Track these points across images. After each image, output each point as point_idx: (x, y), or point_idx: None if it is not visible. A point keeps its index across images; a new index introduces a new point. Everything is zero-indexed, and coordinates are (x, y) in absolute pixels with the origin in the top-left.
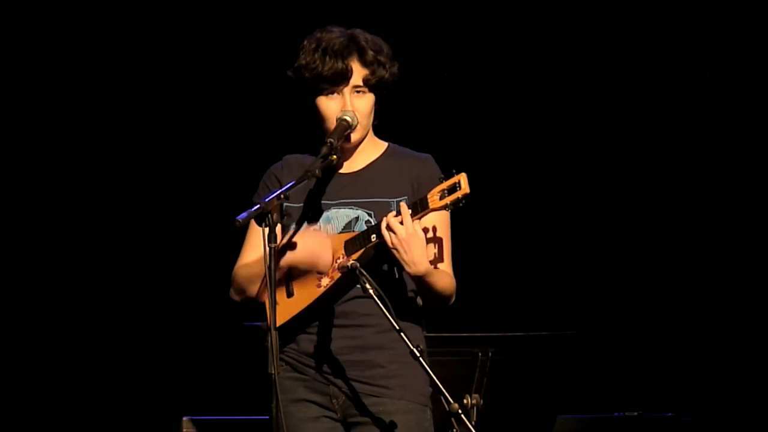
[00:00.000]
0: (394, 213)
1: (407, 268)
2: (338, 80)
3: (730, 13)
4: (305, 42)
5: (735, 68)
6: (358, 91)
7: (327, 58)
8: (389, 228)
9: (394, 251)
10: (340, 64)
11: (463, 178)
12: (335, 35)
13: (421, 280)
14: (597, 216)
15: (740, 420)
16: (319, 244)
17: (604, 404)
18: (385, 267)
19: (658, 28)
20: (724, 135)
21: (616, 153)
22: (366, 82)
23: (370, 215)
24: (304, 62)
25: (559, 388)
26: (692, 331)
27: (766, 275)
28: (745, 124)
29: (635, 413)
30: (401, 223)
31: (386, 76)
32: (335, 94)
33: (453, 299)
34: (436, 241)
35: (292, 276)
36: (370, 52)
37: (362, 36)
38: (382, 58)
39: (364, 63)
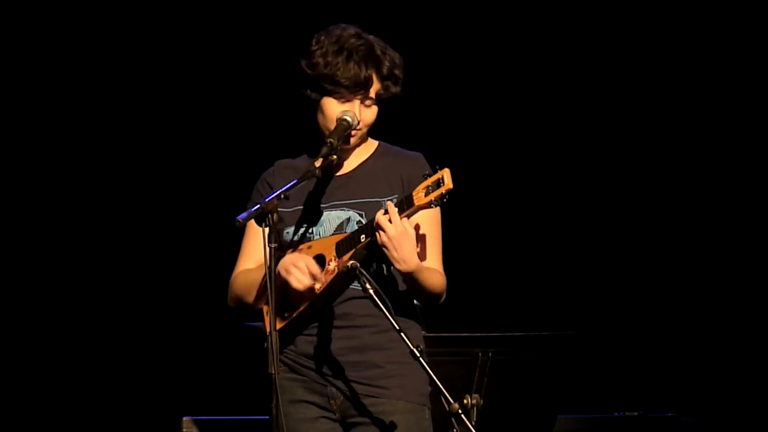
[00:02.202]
0: (383, 211)
1: (397, 266)
2: (355, 89)
3: (730, 13)
4: (323, 38)
5: (735, 68)
6: (367, 104)
7: (351, 64)
8: (378, 226)
9: (384, 249)
10: (363, 74)
11: (446, 174)
12: (355, 39)
13: (411, 278)
14: (596, 216)
15: (740, 420)
16: (303, 260)
17: (604, 404)
18: (383, 267)
19: (658, 28)
20: (724, 135)
21: (616, 153)
22: (378, 96)
23: (361, 215)
24: (322, 61)
25: (559, 388)
26: (692, 331)
27: (766, 275)
28: (745, 124)
29: (635, 413)
30: (390, 221)
31: (397, 92)
32: (345, 101)
33: (443, 297)
34: (426, 238)
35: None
36: (386, 65)
37: (378, 45)
38: (396, 72)
39: (380, 76)
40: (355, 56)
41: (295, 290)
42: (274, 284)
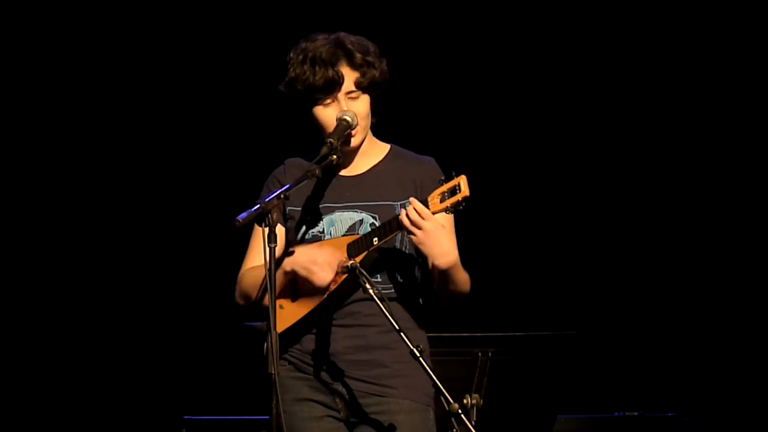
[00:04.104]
0: (409, 209)
1: (437, 261)
2: (331, 88)
3: (730, 13)
4: (292, 54)
5: (735, 68)
6: (352, 97)
7: (317, 68)
8: (413, 224)
9: (423, 247)
10: (330, 72)
11: (462, 181)
12: (320, 43)
13: (450, 273)
14: (597, 216)
15: (740, 420)
16: (323, 256)
17: (604, 404)
18: (389, 269)
19: (658, 28)
20: (724, 135)
21: (616, 153)
22: (358, 85)
23: (374, 218)
24: (294, 75)
25: (559, 388)
26: (692, 331)
27: (766, 275)
28: (745, 124)
29: (635, 413)
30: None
31: (377, 75)
32: (330, 102)
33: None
34: None
35: (297, 280)
36: (358, 55)
37: (347, 39)
38: (370, 59)
39: (354, 66)
40: (320, 58)
41: (306, 286)
42: (276, 284)
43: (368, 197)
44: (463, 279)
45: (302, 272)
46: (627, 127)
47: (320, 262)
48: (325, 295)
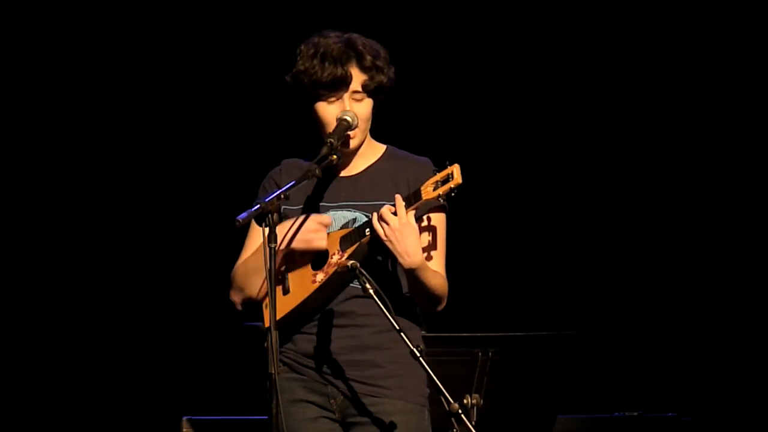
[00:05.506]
0: (388, 206)
1: (401, 260)
2: (337, 86)
3: (730, 13)
4: (302, 47)
5: (735, 68)
6: (356, 98)
7: (326, 64)
8: (381, 219)
9: (388, 243)
10: (339, 70)
11: (456, 169)
12: (333, 40)
13: (414, 274)
14: (597, 216)
15: (740, 420)
16: (309, 222)
17: (604, 404)
18: (385, 266)
19: (659, 28)
20: (724, 135)
21: (616, 153)
22: (365, 87)
23: (367, 217)
24: (302, 68)
25: (559, 388)
26: (692, 331)
27: (766, 275)
28: (745, 124)
29: (635, 413)
30: (395, 214)
31: (384, 81)
32: (334, 100)
33: (444, 304)
34: (432, 241)
35: (287, 272)
36: (369, 57)
37: (359, 41)
38: (380, 63)
39: (363, 68)
40: (330, 55)
41: (297, 275)
42: (275, 282)
43: (362, 197)
44: (433, 283)
45: (301, 245)
46: (628, 127)
47: (312, 228)
48: (316, 285)
